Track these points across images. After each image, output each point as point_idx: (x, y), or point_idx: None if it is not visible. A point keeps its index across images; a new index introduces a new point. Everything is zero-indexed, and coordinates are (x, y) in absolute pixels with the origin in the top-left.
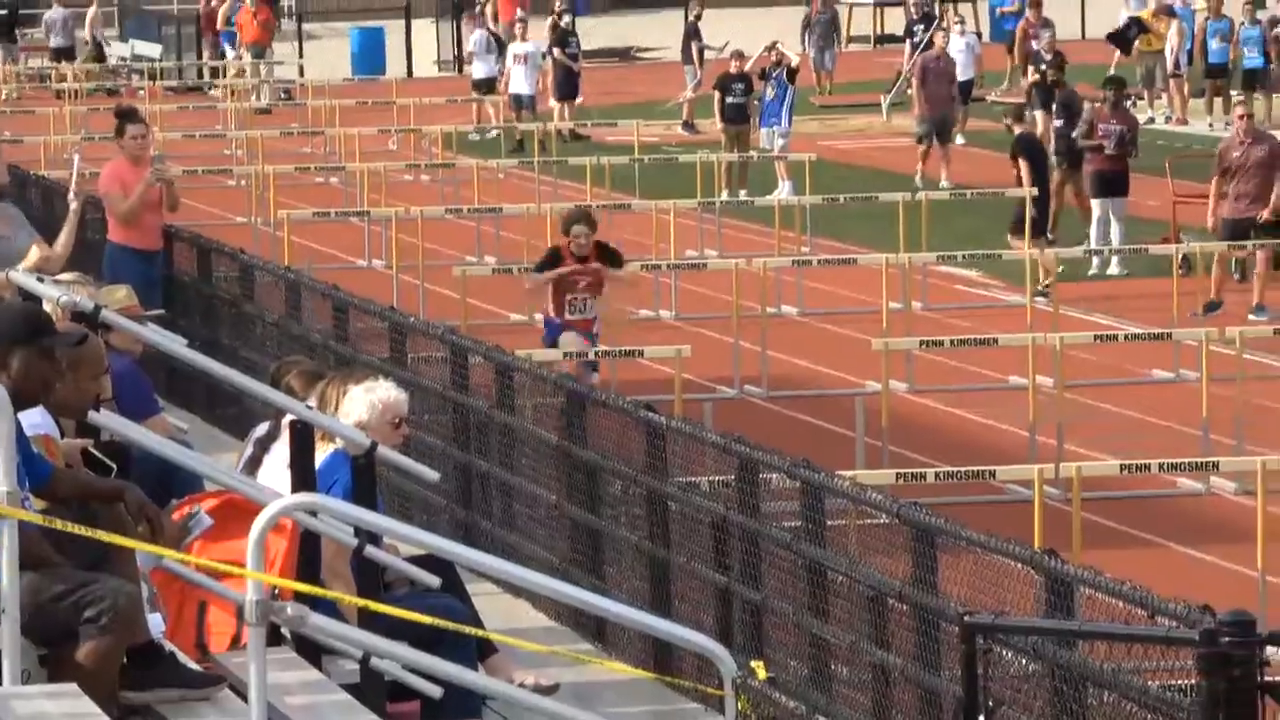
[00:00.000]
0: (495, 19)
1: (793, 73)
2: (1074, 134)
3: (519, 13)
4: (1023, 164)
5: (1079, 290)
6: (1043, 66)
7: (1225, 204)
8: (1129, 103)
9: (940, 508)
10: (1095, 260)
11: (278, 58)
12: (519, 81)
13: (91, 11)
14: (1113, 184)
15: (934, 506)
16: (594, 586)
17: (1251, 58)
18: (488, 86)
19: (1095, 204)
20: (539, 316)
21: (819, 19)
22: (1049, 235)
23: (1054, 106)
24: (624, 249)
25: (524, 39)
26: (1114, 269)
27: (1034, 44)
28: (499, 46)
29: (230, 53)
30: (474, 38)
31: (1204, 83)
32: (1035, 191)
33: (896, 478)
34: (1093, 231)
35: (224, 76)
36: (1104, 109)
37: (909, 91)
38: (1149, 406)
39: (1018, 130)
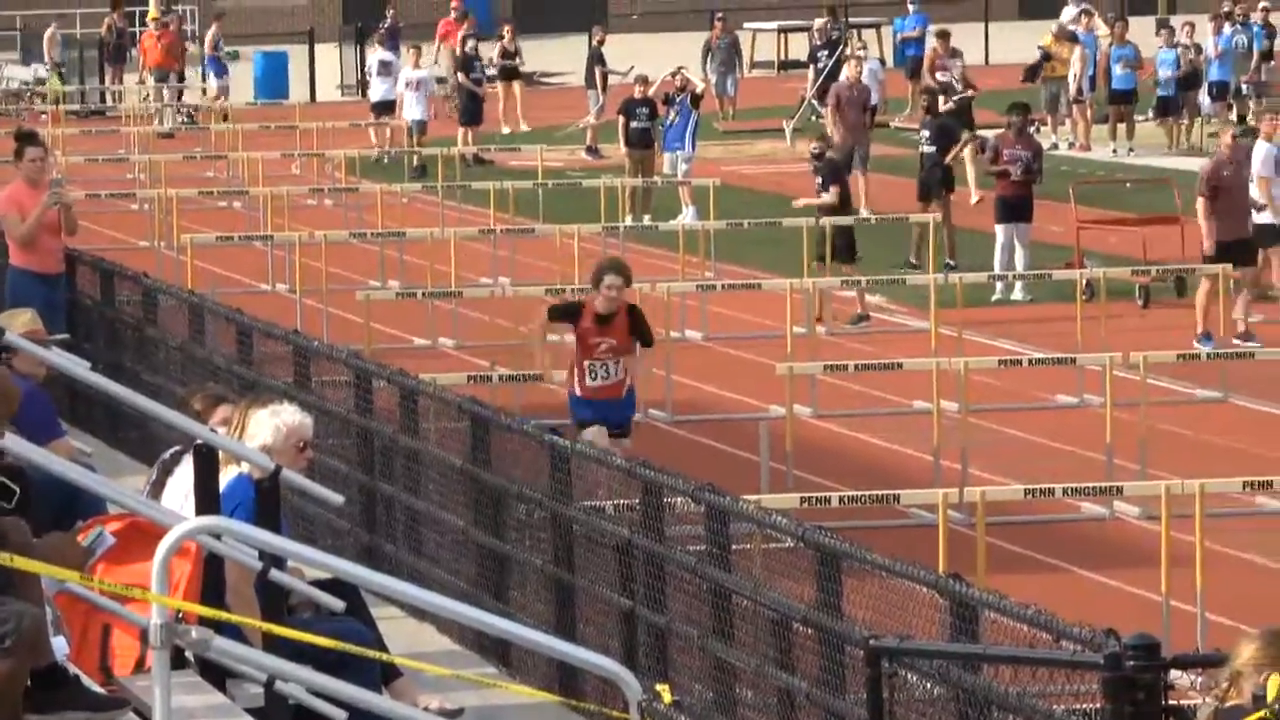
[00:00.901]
0: (393, 41)
1: (697, 98)
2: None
3: (462, 31)
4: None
5: (983, 315)
6: (956, 96)
7: (1219, 225)
8: (1033, 128)
9: (845, 532)
10: (999, 285)
11: (187, 81)
12: (411, 107)
13: None
14: (1017, 209)
15: (839, 531)
16: (499, 610)
17: (1163, 85)
18: (385, 109)
19: (1000, 229)
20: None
21: (719, 44)
22: (950, 261)
23: (929, 133)
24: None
25: (417, 65)
26: (1018, 294)
27: (947, 74)
28: (394, 70)
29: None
30: (371, 60)
31: (1107, 109)
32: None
33: (801, 502)
34: (997, 257)
35: (121, 100)
36: (1009, 135)
37: (813, 118)
38: (1053, 431)
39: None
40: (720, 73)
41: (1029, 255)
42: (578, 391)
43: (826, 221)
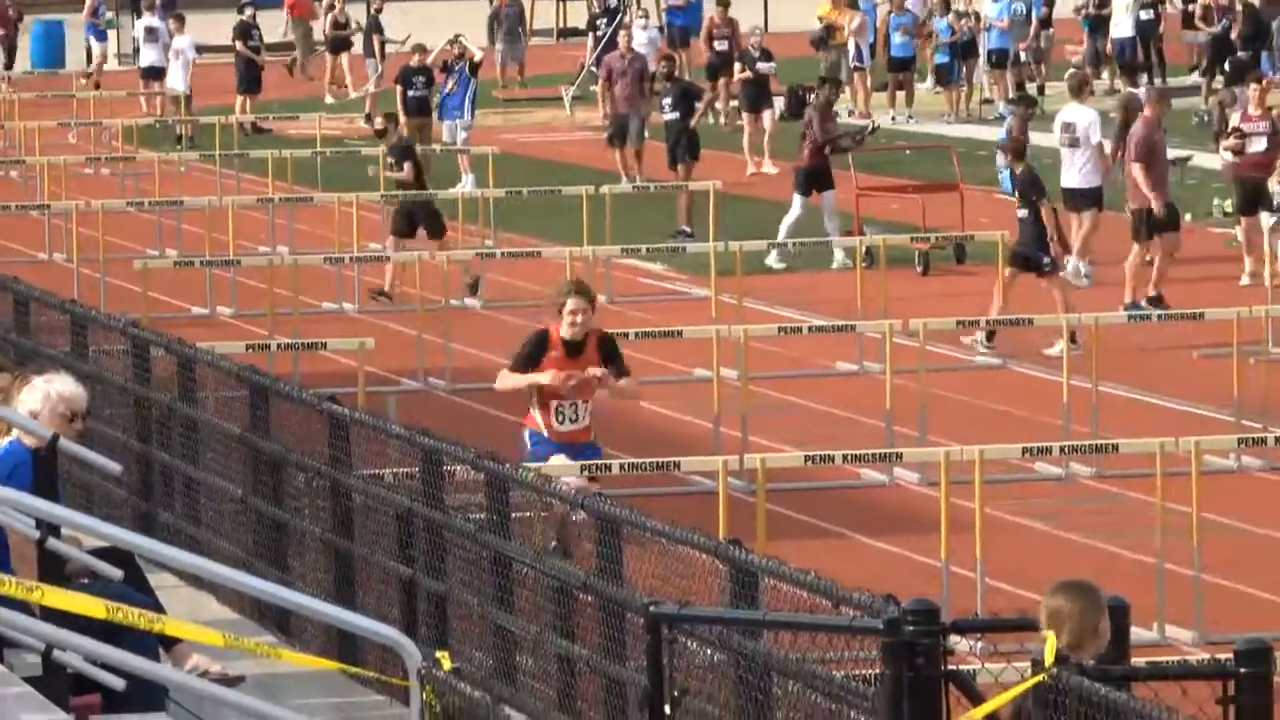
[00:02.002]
0: (165, 8)
1: (475, 66)
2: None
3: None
4: None
5: (764, 283)
6: (756, 65)
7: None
8: (813, 96)
9: (626, 499)
10: (774, 253)
11: None
12: (174, 76)
13: None
14: (821, 178)
15: (619, 498)
16: (278, 578)
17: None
18: (155, 75)
19: (798, 200)
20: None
21: (507, 12)
22: (686, 229)
23: (670, 100)
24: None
25: (180, 33)
26: (774, 261)
27: (725, 42)
28: (160, 37)
29: None
30: (138, 27)
31: (886, 76)
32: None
33: (581, 469)
34: (785, 223)
35: None
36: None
37: (593, 87)
38: (833, 398)
39: None
40: (507, 41)
41: (839, 222)
42: (544, 433)
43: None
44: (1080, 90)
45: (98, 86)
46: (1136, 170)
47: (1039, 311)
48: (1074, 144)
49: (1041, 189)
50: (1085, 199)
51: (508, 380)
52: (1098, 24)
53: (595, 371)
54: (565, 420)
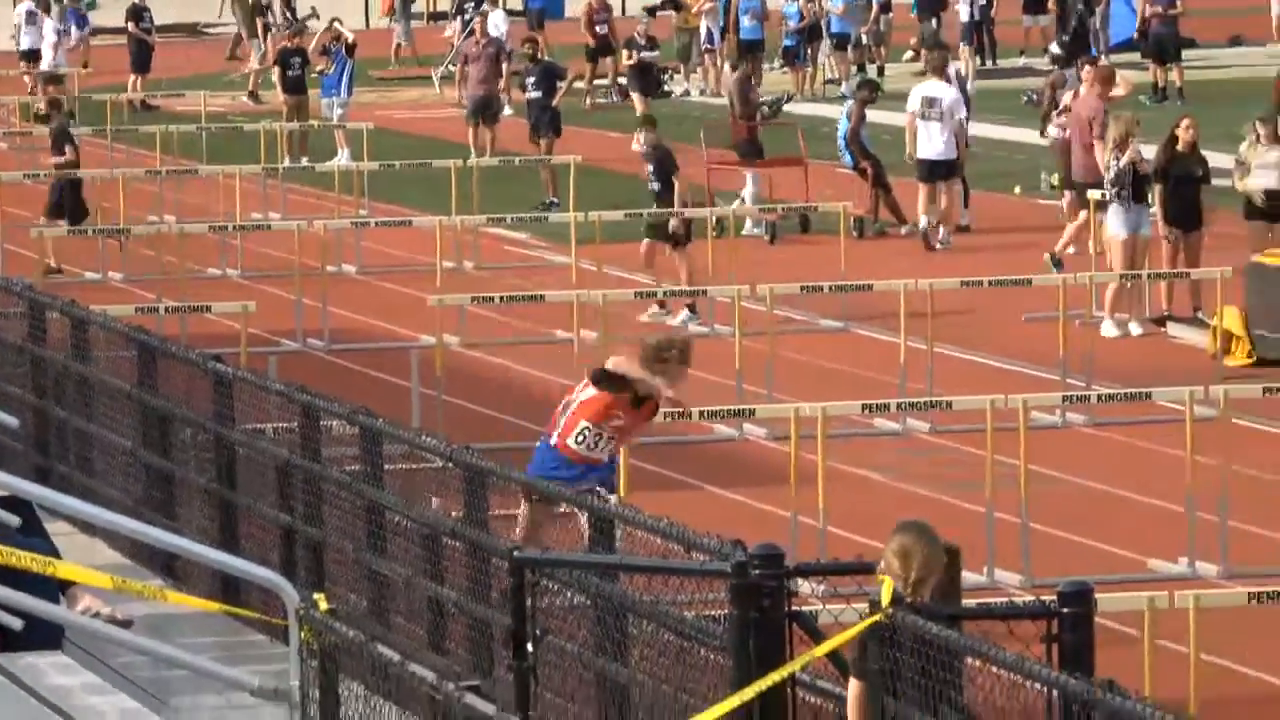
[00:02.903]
0: None
1: (351, 48)
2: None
3: None
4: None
5: (623, 251)
6: (637, 51)
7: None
8: (666, 75)
9: (492, 453)
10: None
11: None
12: (45, 56)
13: None
14: (753, 149)
15: (486, 452)
16: (166, 526)
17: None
18: (32, 58)
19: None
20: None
21: None
22: (552, 199)
23: (533, 79)
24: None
25: (47, 16)
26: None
27: (605, 26)
28: (39, 21)
29: None
30: (18, 10)
31: (736, 56)
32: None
33: (463, 419)
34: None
35: None
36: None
37: (452, 67)
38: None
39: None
40: (403, 21)
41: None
42: (553, 443)
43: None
44: (942, 68)
45: (85, 65)
46: (1098, 146)
47: (881, 278)
48: (938, 118)
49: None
50: (944, 170)
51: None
52: (927, 6)
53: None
54: (584, 444)
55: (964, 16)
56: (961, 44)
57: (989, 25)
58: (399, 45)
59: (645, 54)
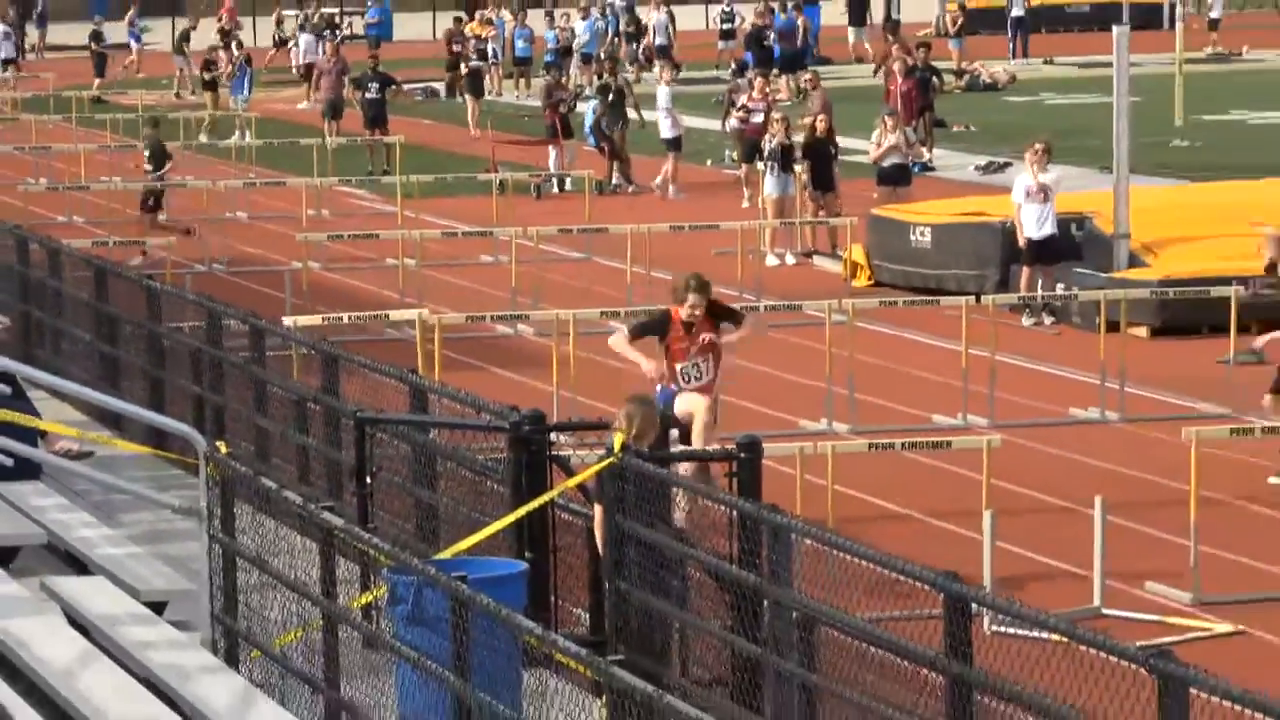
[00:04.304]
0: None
1: (249, 60)
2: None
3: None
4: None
5: (439, 204)
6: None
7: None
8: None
9: (347, 344)
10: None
11: None
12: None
13: None
14: (562, 129)
15: (337, 344)
16: (114, 394)
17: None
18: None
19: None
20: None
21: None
22: (385, 168)
23: (375, 85)
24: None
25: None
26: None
27: (461, 46)
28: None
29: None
30: None
31: (513, 69)
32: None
33: (323, 320)
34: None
35: None
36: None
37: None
38: (480, 279)
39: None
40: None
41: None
42: (670, 386)
43: None
44: (671, 76)
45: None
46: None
47: (614, 223)
48: (665, 112)
49: None
50: (672, 145)
51: (620, 346)
52: (633, 37)
53: (708, 337)
54: (690, 380)
55: (659, 40)
56: (658, 61)
57: (670, 48)
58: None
59: (475, 63)
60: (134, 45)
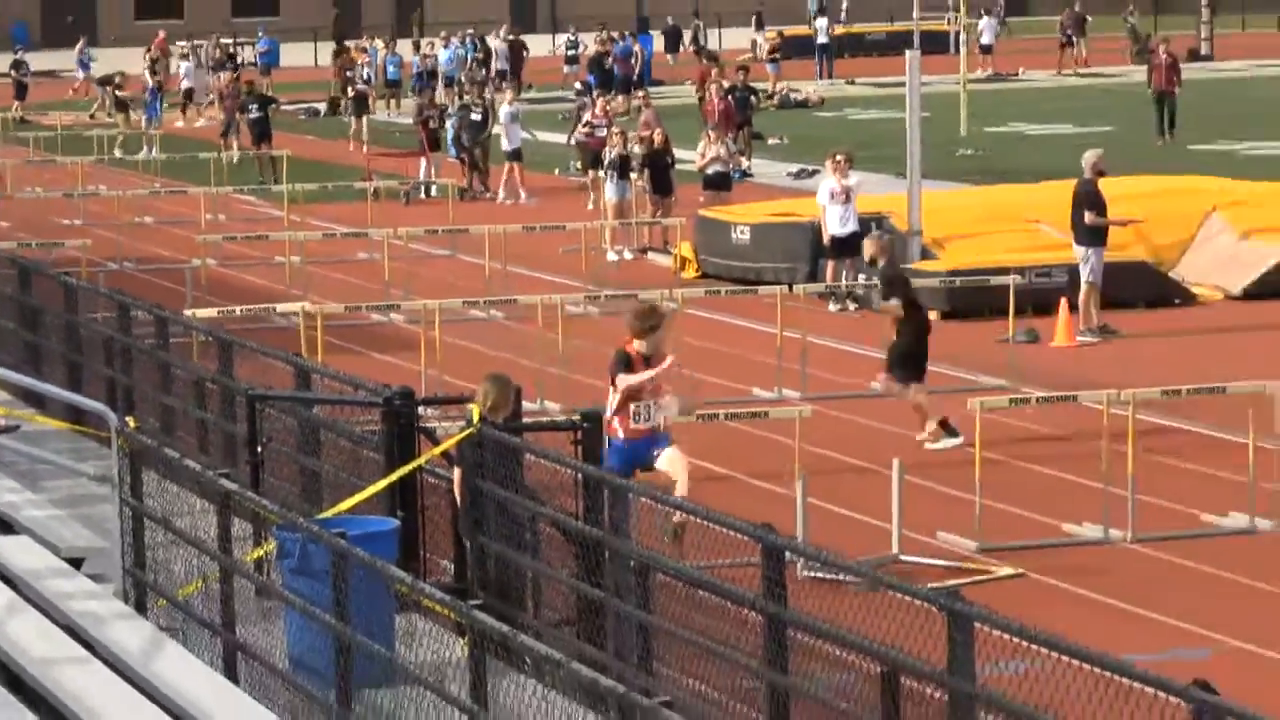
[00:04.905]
0: None
1: (160, 85)
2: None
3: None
4: None
5: (324, 209)
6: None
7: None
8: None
9: (242, 333)
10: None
11: None
12: None
13: None
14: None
15: (232, 331)
16: (38, 376)
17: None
18: None
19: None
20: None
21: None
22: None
23: (255, 105)
24: None
25: None
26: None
27: (358, 70)
28: None
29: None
30: None
31: (385, 91)
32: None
33: (218, 312)
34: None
35: None
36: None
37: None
38: (357, 274)
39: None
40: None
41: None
42: (620, 435)
43: None
44: (518, 90)
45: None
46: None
47: (474, 224)
48: (511, 123)
49: None
50: (513, 156)
51: (627, 384)
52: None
53: (668, 363)
54: (641, 420)
55: (502, 65)
56: (504, 83)
57: (519, 69)
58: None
59: (361, 87)
60: (81, 73)
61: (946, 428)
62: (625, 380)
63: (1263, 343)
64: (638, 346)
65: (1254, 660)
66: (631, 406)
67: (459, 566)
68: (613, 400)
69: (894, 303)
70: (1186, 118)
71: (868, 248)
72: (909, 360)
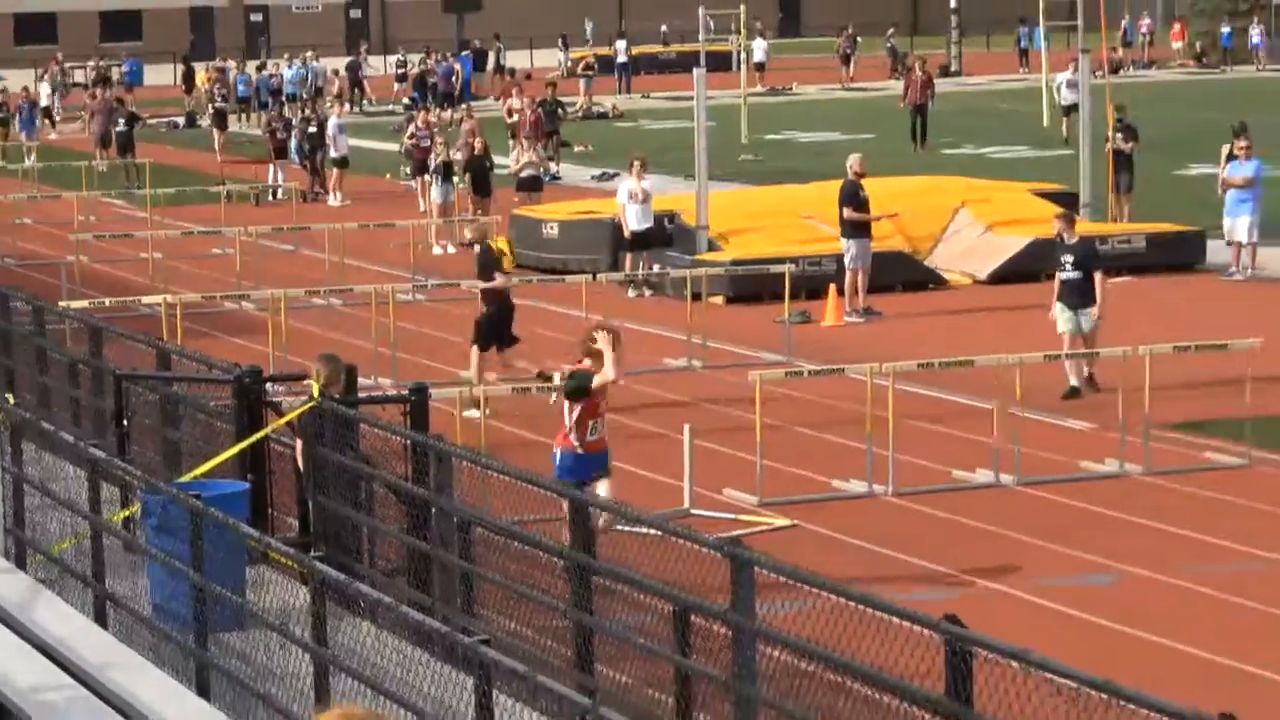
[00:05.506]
0: None
1: (33, 104)
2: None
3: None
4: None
5: (181, 210)
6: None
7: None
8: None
9: (104, 319)
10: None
11: None
12: None
13: None
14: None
15: (101, 319)
16: None
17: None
18: None
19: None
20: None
21: (55, 69)
22: (136, 185)
23: (124, 120)
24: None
25: None
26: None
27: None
28: None
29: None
30: None
31: (236, 106)
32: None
33: (90, 303)
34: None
35: None
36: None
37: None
38: (213, 267)
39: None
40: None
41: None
42: (579, 449)
43: None
44: (343, 105)
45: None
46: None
47: (314, 223)
48: (339, 131)
49: None
50: (339, 163)
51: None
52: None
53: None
54: (595, 433)
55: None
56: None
57: (361, 85)
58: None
59: (221, 105)
60: None
61: (545, 377)
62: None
63: (1005, 321)
64: (589, 365)
65: (1000, 598)
66: (589, 423)
67: (302, 523)
68: (569, 417)
69: (499, 280)
70: (938, 126)
71: (469, 232)
72: (493, 331)
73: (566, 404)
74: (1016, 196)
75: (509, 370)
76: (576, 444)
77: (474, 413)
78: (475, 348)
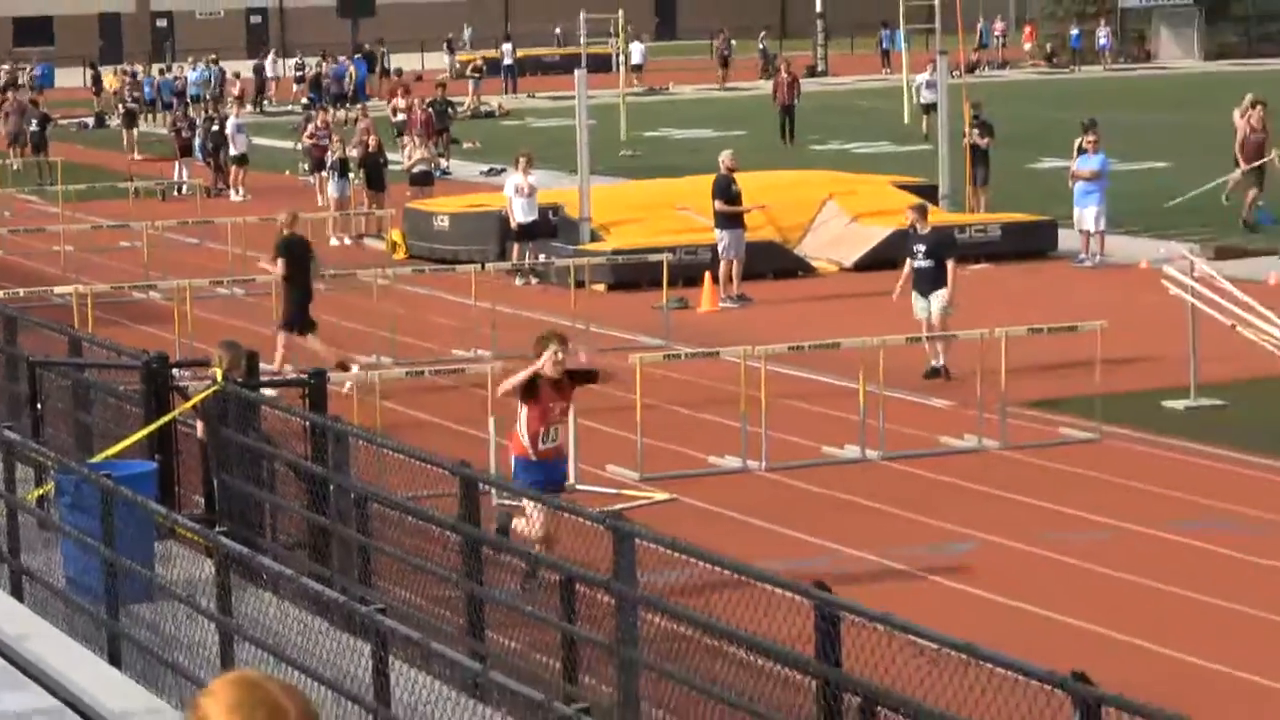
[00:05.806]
0: None
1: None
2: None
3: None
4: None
5: (89, 206)
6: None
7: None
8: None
9: (24, 309)
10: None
11: None
12: None
13: None
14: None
15: (21, 309)
16: None
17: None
18: None
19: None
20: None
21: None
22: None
23: (36, 120)
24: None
25: None
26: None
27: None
28: None
29: None
30: None
31: (144, 107)
32: None
33: (4, 293)
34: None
35: None
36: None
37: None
38: (122, 260)
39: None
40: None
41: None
42: (532, 456)
43: None
44: (241, 105)
45: None
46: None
47: (220, 217)
48: (238, 131)
49: None
50: (239, 161)
51: (507, 385)
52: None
53: (582, 357)
54: (548, 440)
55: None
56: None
57: (265, 87)
58: None
59: (131, 106)
60: None
61: (344, 367)
62: (504, 386)
63: (870, 306)
64: (549, 372)
65: (867, 565)
66: (541, 430)
67: (208, 500)
68: (521, 419)
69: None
70: (806, 124)
71: (282, 216)
72: (300, 314)
73: (520, 406)
74: (880, 189)
75: (304, 353)
76: (530, 450)
77: (344, 378)
78: (284, 331)
